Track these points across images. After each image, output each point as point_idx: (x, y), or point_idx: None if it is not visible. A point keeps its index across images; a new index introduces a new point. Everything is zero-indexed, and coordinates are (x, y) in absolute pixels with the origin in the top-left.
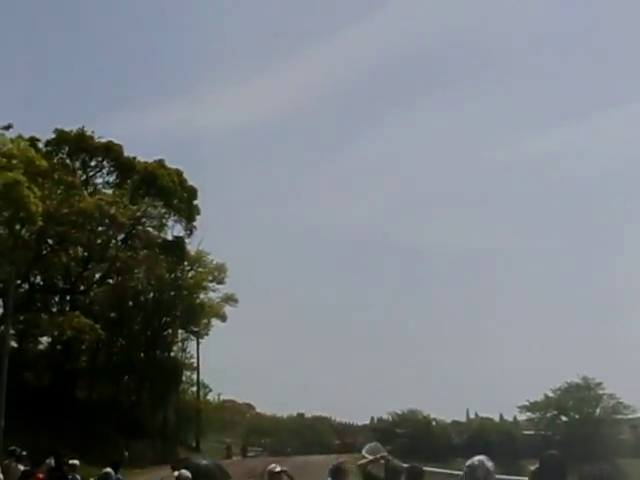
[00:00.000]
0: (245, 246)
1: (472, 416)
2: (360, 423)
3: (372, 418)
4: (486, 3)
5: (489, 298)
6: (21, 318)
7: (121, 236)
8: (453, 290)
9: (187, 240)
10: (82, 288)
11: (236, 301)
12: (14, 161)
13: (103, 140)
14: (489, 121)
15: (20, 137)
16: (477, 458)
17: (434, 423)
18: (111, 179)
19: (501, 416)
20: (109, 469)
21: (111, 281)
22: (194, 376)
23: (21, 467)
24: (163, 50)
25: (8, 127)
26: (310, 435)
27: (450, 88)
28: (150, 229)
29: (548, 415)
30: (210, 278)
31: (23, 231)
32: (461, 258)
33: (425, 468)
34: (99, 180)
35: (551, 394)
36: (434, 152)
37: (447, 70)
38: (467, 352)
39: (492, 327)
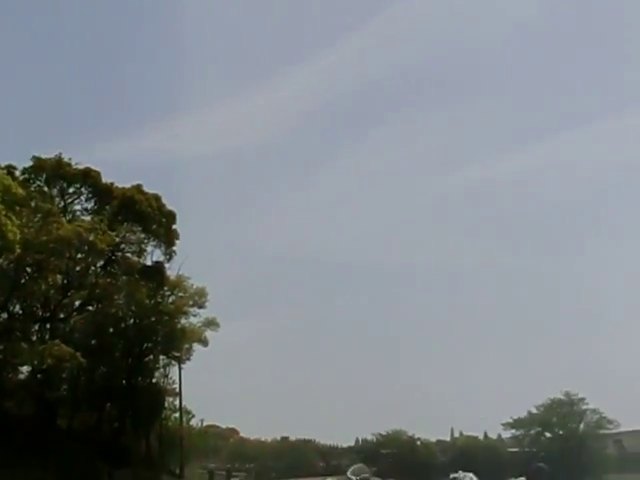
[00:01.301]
0: (225, 270)
1: (457, 435)
2: (345, 445)
3: (357, 439)
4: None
5: (469, 317)
6: (0, 347)
7: (100, 263)
8: (432, 310)
9: (167, 265)
10: (62, 316)
11: (217, 325)
12: None
13: (81, 167)
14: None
15: None
16: (464, 473)
17: (419, 443)
18: (89, 205)
19: (485, 434)
20: None
21: (91, 308)
22: (176, 402)
23: None
24: (140, 76)
25: None
26: (295, 458)
27: (421, 114)
28: (129, 255)
29: (532, 432)
30: (191, 303)
31: (1, 260)
32: (439, 278)
33: None
34: (77, 207)
35: (534, 410)
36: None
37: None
38: (450, 371)
39: (474, 346)
